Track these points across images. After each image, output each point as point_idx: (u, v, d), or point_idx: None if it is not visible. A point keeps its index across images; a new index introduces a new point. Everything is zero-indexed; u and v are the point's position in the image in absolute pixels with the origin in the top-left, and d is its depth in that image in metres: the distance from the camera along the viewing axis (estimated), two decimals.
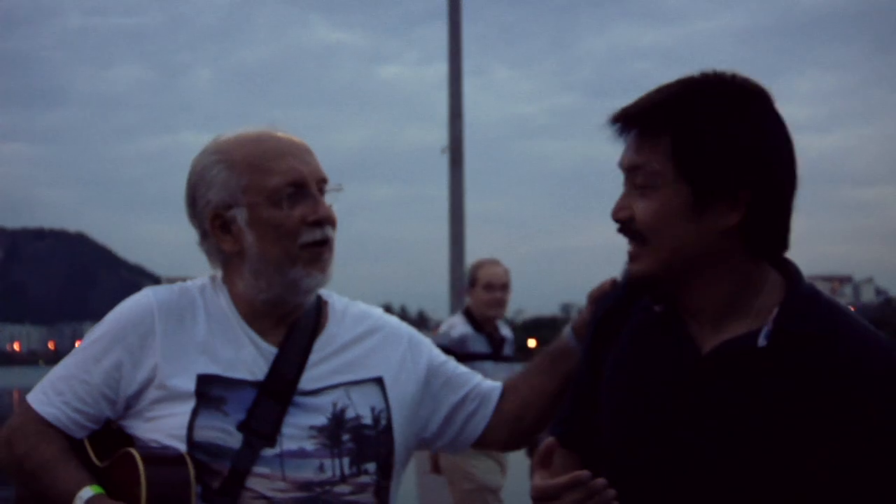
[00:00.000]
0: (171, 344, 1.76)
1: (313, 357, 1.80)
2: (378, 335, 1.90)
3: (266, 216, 1.75)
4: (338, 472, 1.74)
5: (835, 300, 1.50)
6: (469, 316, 5.46)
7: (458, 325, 5.41)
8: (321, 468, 1.73)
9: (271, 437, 1.72)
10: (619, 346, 1.60)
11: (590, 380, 1.65)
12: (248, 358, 1.77)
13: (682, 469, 1.46)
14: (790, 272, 1.50)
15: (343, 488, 1.74)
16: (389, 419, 1.82)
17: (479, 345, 5.33)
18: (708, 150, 1.42)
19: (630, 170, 1.48)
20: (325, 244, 1.77)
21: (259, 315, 1.80)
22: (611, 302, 1.67)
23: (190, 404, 1.72)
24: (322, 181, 1.79)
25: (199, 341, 1.77)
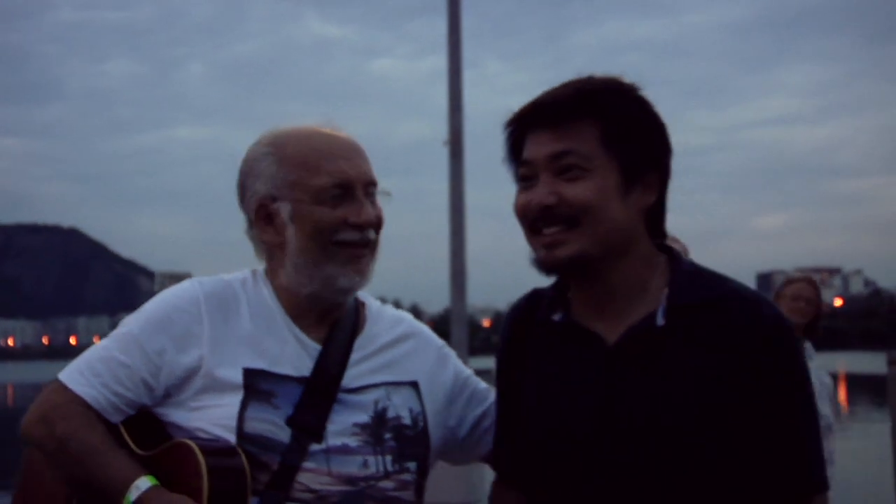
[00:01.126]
0: (218, 335, 1.77)
1: (354, 356, 1.83)
2: (412, 341, 1.93)
3: (308, 212, 1.77)
4: (381, 469, 1.77)
5: (715, 271, 1.63)
6: None
7: None
8: (365, 464, 1.76)
9: (319, 433, 1.74)
10: (528, 365, 1.69)
11: (509, 406, 1.72)
12: (293, 354, 1.79)
13: (612, 463, 1.53)
14: (671, 254, 1.64)
15: (387, 484, 1.77)
16: (426, 422, 1.86)
17: None
18: (634, 133, 1.57)
19: (553, 157, 1.56)
20: (363, 246, 1.80)
21: (303, 310, 1.82)
22: (510, 324, 1.76)
23: (238, 396, 1.72)
24: (370, 184, 1.81)
25: (244, 334, 1.78)
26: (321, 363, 1.79)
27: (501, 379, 1.77)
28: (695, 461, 1.51)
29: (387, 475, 1.77)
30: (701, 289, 1.58)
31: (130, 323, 1.80)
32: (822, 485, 1.56)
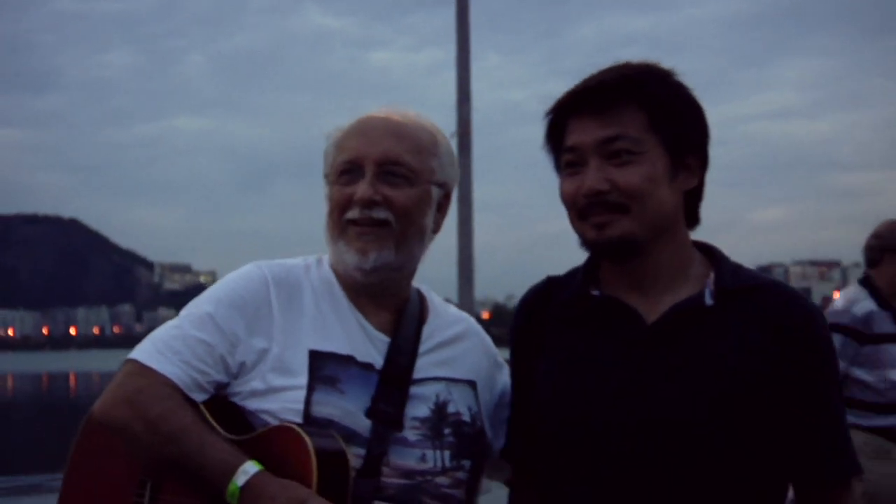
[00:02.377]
0: (285, 317, 1.76)
1: (420, 347, 1.83)
2: (470, 341, 1.93)
3: (329, 191, 1.82)
4: (439, 464, 1.75)
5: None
6: (871, 288, 4.36)
7: (860, 300, 4.33)
8: (423, 458, 1.74)
9: (399, 422, 1.73)
10: (547, 349, 1.68)
11: (527, 390, 1.71)
12: (357, 339, 1.78)
13: (652, 432, 1.54)
14: (707, 246, 1.69)
15: (442, 480, 1.76)
16: (483, 422, 1.86)
17: (886, 324, 4.30)
18: (678, 117, 1.58)
19: (603, 143, 1.57)
20: (367, 224, 1.77)
21: (357, 293, 1.82)
22: (526, 310, 1.76)
23: (304, 379, 1.71)
24: (385, 162, 1.77)
25: (308, 318, 1.78)
26: (392, 353, 1.78)
27: (518, 364, 1.76)
28: (732, 438, 1.53)
29: (443, 471, 1.76)
30: (746, 276, 1.62)
31: (200, 304, 1.78)
32: (858, 468, 1.60)
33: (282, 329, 1.75)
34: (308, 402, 1.69)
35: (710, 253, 1.68)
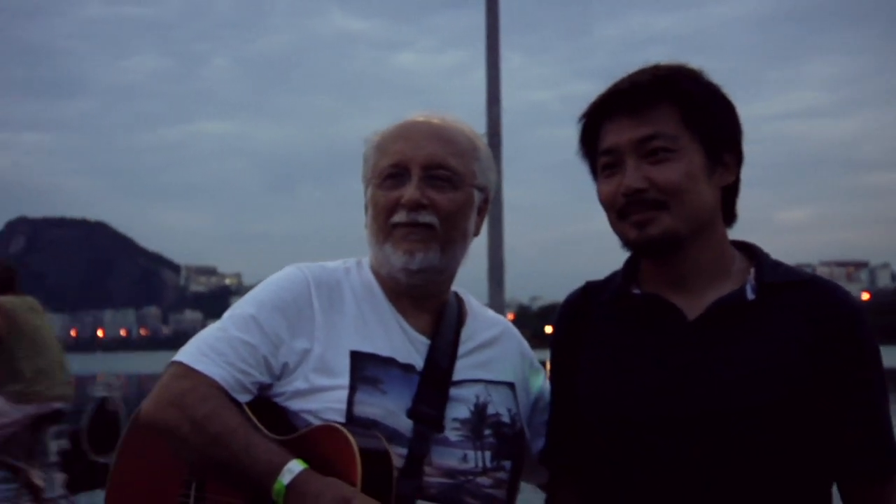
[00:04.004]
0: (326, 319, 1.77)
1: (459, 349, 1.84)
2: (508, 343, 1.94)
3: (373, 195, 1.81)
4: (480, 464, 1.77)
5: None
6: None
7: None
8: (464, 458, 1.75)
9: (440, 423, 1.74)
10: (588, 350, 1.69)
11: (568, 391, 1.72)
12: (398, 341, 1.79)
13: (696, 427, 1.54)
14: (745, 244, 1.70)
15: (484, 480, 1.77)
16: (522, 424, 1.86)
17: None
18: (711, 114, 1.60)
19: (640, 142, 1.58)
20: (413, 226, 1.77)
21: (398, 295, 1.83)
22: (568, 314, 1.77)
23: (346, 379, 1.72)
24: (431, 166, 1.78)
25: (350, 319, 1.79)
26: (432, 354, 1.79)
27: (559, 367, 1.78)
28: (777, 432, 1.53)
29: (484, 471, 1.77)
30: (787, 272, 1.63)
31: (244, 306, 1.78)
32: None
33: (323, 330, 1.76)
34: (351, 402, 1.70)
35: (748, 250, 1.68)
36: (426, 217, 1.77)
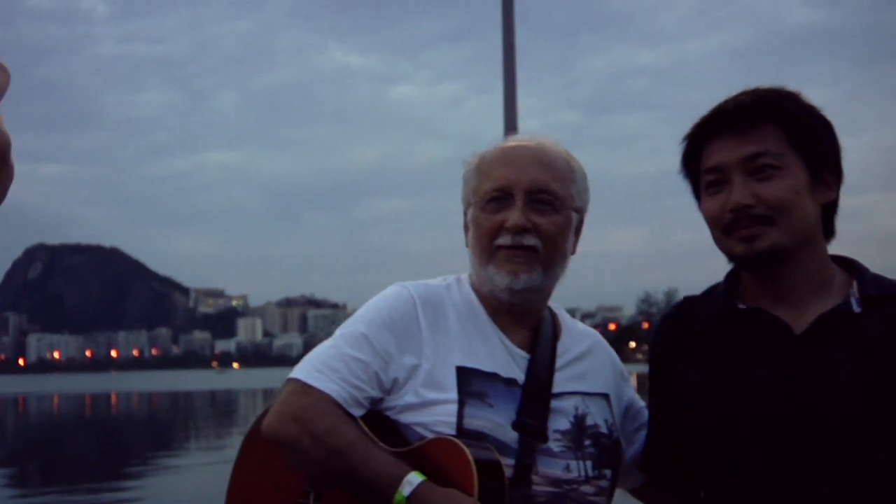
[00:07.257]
0: (432, 335, 1.81)
1: (556, 363, 1.88)
2: (599, 355, 1.99)
3: (476, 217, 1.85)
4: (582, 473, 1.80)
5: None
6: None
7: None
8: (567, 468, 1.79)
9: (544, 434, 1.78)
10: (698, 358, 1.72)
11: (668, 405, 1.76)
12: (499, 356, 1.83)
13: (809, 438, 1.55)
14: (844, 259, 1.73)
15: (588, 488, 1.80)
16: (618, 433, 1.91)
17: None
18: (813, 133, 1.64)
19: (747, 159, 1.62)
20: (517, 249, 1.81)
21: (499, 312, 1.87)
22: (666, 329, 1.81)
23: (454, 393, 1.75)
24: (534, 191, 1.81)
25: (454, 335, 1.82)
26: (532, 368, 1.83)
27: (659, 380, 1.80)
28: (884, 447, 1.52)
29: (587, 480, 1.80)
30: (890, 284, 1.64)
31: (354, 324, 1.83)
32: None
33: (430, 346, 1.79)
34: (460, 416, 1.73)
35: (848, 264, 1.70)
36: (530, 240, 1.81)
